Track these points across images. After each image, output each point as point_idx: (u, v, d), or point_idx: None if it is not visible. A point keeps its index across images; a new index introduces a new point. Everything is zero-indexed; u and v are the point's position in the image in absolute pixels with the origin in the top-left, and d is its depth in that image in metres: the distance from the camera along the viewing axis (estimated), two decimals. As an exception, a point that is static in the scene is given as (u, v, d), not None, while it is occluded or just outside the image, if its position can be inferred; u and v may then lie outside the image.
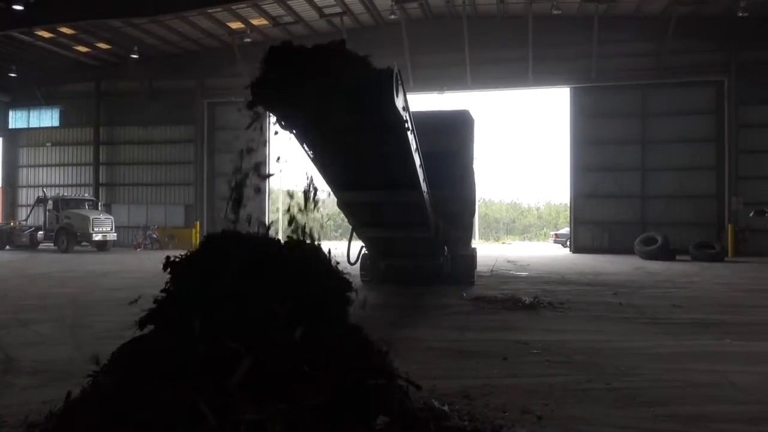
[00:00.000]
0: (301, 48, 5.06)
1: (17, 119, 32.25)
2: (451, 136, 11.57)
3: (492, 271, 15.39)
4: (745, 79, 22.97)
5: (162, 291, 3.27)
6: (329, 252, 3.55)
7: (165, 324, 3.00)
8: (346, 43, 5.14)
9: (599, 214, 24.92)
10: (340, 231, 31.52)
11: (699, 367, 5.13)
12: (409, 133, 7.45)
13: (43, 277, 13.66)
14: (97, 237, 24.92)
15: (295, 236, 3.70)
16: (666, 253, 20.23)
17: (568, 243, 27.22)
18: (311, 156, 7.59)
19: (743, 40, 22.84)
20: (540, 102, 77.67)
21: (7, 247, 26.39)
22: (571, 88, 25.34)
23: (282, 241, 3.55)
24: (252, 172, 3.89)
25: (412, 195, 8.83)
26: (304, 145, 7.35)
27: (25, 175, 32.74)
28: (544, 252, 27.38)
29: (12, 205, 32.56)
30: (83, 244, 25.34)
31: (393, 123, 6.88)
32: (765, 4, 21.32)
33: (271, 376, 2.76)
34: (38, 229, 26.16)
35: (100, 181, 30.76)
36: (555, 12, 22.67)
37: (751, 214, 20.10)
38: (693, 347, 6.01)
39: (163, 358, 2.79)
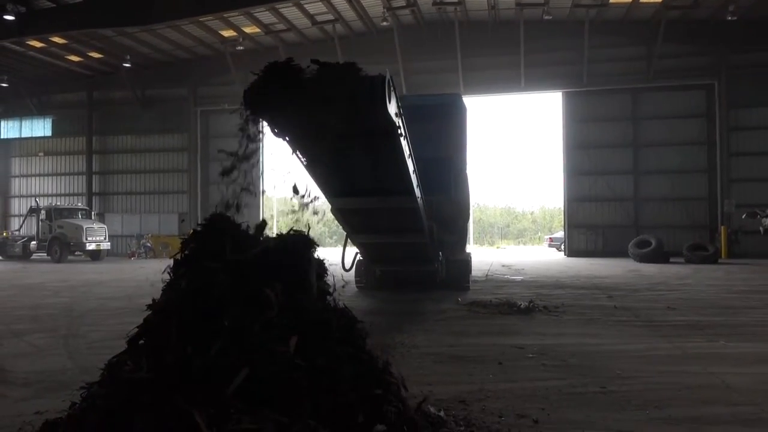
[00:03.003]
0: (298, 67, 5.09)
1: (9, 129, 32.18)
2: (443, 123, 11.51)
3: (487, 275, 15.41)
4: (735, 82, 23.20)
5: (152, 302, 3.24)
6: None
7: (158, 334, 2.99)
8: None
9: (593, 218, 25.05)
10: (334, 237, 31.52)
11: (693, 369, 5.15)
12: (402, 138, 7.45)
13: (36, 288, 13.56)
14: (91, 246, 24.79)
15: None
16: (660, 256, 20.34)
17: (562, 247, 27.27)
18: (304, 163, 7.58)
19: (732, 43, 23.07)
20: (532, 106, 78.05)
21: (0, 257, 26.25)
22: (562, 92, 25.51)
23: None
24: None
25: (406, 201, 8.82)
26: (297, 152, 7.34)
27: (17, 185, 32.64)
28: (539, 256, 27.45)
29: (4, 216, 32.47)
30: (77, 253, 25.22)
31: (386, 129, 6.88)
32: (753, 8, 21.54)
33: (267, 386, 2.75)
34: (31, 239, 26.04)
35: (93, 190, 30.70)
36: (546, 17, 22.80)
37: (743, 216, 20.24)
38: (687, 349, 6.03)
39: (157, 368, 2.78)
